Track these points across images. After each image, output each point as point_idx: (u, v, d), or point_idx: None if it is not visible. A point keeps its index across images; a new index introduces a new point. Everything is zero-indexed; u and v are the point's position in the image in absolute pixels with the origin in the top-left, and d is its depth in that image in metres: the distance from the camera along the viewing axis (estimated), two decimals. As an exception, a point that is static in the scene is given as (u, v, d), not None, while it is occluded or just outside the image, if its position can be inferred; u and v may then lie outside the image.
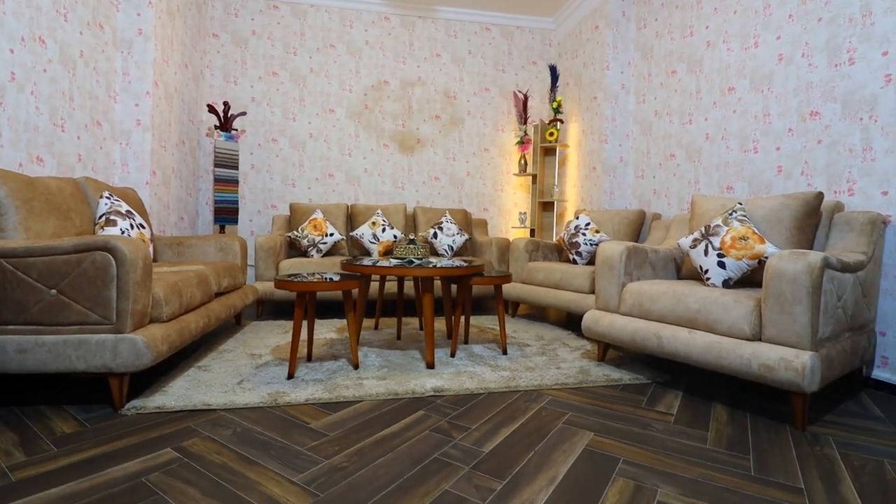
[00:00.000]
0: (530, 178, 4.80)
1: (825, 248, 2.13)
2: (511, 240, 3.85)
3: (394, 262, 2.44)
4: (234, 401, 1.81)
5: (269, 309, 3.78)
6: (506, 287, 3.62)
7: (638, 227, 3.41)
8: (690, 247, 2.28)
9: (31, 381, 2.00)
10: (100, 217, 2.25)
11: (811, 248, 2.16)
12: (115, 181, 3.25)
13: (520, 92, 4.84)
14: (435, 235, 4.03)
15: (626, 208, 4.05)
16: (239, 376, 2.11)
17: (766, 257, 2.03)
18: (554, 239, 4.67)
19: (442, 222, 4.08)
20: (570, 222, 3.87)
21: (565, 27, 4.77)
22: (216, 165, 3.88)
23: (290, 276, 2.30)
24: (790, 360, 1.61)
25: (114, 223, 2.21)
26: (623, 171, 4.06)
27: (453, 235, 4.03)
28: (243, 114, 4.05)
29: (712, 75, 3.18)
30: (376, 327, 3.14)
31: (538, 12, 4.76)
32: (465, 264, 2.36)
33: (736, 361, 1.75)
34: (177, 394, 1.86)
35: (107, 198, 2.34)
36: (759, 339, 1.76)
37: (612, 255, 2.33)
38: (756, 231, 2.10)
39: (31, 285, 1.65)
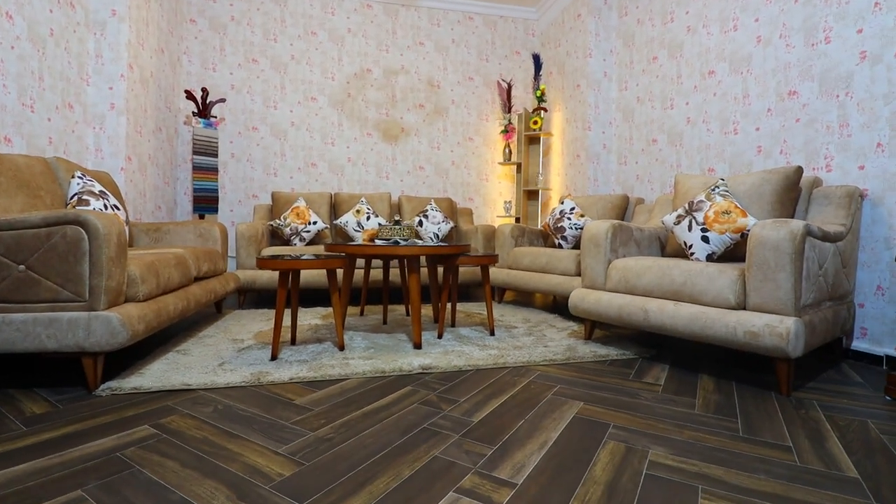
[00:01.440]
0: (515, 166, 4.80)
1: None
2: (497, 226, 3.84)
3: (379, 242, 2.41)
4: (214, 381, 1.75)
5: (251, 298, 3.70)
6: (492, 272, 3.61)
7: (622, 211, 3.43)
8: (675, 223, 2.30)
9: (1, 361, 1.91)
10: (72, 197, 2.17)
11: (792, 222, 2.19)
12: (89, 166, 3.14)
13: (503, 81, 4.84)
14: (420, 223, 3.99)
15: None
16: (220, 359, 2.04)
17: (749, 230, 2.05)
18: (539, 226, 4.68)
19: (427, 210, 4.05)
20: (555, 208, 3.88)
21: (548, 17, 4.79)
22: (195, 153, 3.78)
23: (272, 256, 2.25)
24: (775, 326, 1.63)
25: (86, 202, 2.13)
26: (606, 158, 4.08)
27: (439, 223, 4.00)
28: (222, 100, 3.96)
29: (693, 60, 3.22)
30: (362, 313, 3.10)
31: (521, 2, 4.76)
32: (451, 242, 2.34)
33: (721, 330, 1.76)
34: (154, 375, 1.80)
35: (79, 178, 2.26)
36: (744, 308, 1.77)
37: (597, 232, 2.33)
38: (738, 205, 2.12)
39: (-3, 261, 1.57)
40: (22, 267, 1.59)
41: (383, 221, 3.92)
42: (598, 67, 4.05)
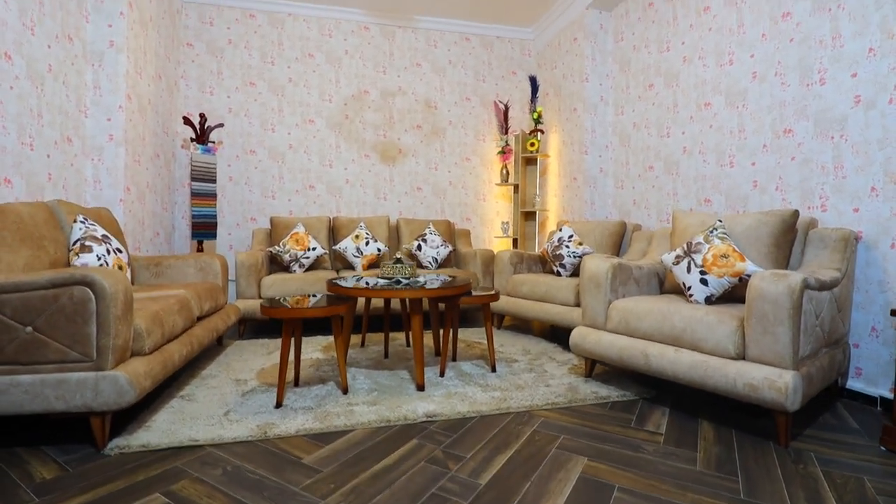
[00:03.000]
0: (512, 187, 4.83)
1: (801, 264, 2.21)
2: (495, 252, 3.87)
3: (381, 282, 2.43)
4: (221, 435, 1.76)
5: (251, 327, 3.70)
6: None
7: (619, 238, 3.47)
8: (673, 263, 2.34)
9: (5, 421, 1.90)
10: (74, 243, 2.16)
11: (788, 263, 2.23)
12: (87, 199, 3.13)
13: (501, 102, 4.86)
14: (419, 248, 4.01)
15: (606, 218, 4.12)
16: (225, 406, 2.05)
17: (748, 275, 2.09)
18: (537, 249, 4.71)
19: (426, 234, 4.07)
20: (553, 233, 3.92)
21: (544, 38, 4.82)
22: (193, 179, 3.77)
23: (275, 299, 2.26)
24: (773, 380, 1.66)
25: (89, 249, 2.13)
26: (603, 182, 4.12)
27: (437, 247, 4.02)
28: (220, 125, 3.96)
29: (689, 90, 3.27)
30: (363, 344, 3.11)
31: (517, 22, 4.79)
32: (451, 279, 2.36)
33: (721, 380, 1.80)
34: (161, 429, 1.81)
35: (81, 222, 2.25)
36: (744, 358, 1.81)
37: (598, 272, 2.36)
38: (736, 249, 2.16)
39: (5, 323, 1.57)
40: (29, 329, 1.60)
41: (382, 246, 3.94)
42: (594, 92, 4.09)
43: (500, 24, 4.83)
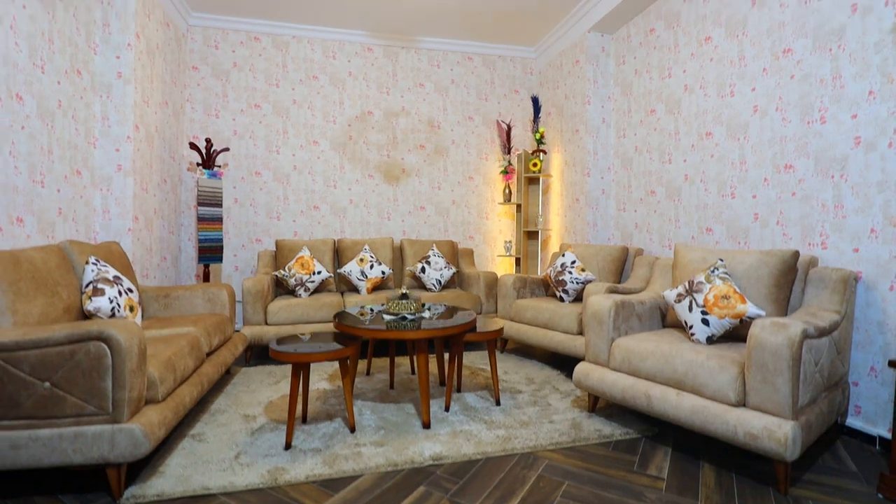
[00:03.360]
0: (515, 206, 4.86)
1: (801, 304, 2.25)
2: (498, 276, 3.90)
3: (387, 318, 2.47)
4: (233, 482, 1.80)
5: (257, 352, 3.74)
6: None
7: (621, 263, 3.50)
8: (675, 301, 2.37)
9: (24, 471, 1.95)
10: (87, 286, 2.21)
11: (789, 303, 2.26)
12: (97, 229, 3.17)
13: (503, 122, 4.90)
14: (423, 270, 4.05)
15: (608, 240, 4.16)
16: (235, 447, 2.10)
17: (749, 317, 2.13)
18: (539, 267, 4.75)
19: (429, 256, 4.11)
20: (555, 255, 3.95)
21: (546, 57, 4.85)
22: (200, 204, 3.82)
23: (283, 341, 2.30)
24: (773, 430, 1.70)
25: (102, 292, 2.17)
26: (605, 203, 4.15)
27: (441, 269, 4.06)
28: (226, 150, 4.00)
29: (690, 119, 3.29)
30: (368, 373, 3.15)
31: (519, 42, 4.82)
32: (454, 310, 2.40)
33: (721, 427, 1.83)
34: (174, 474, 1.85)
35: (93, 263, 2.30)
36: (744, 405, 1.84)
37: (600, 310, 2.40)
38: (737, 290, 2.19)
39: (24, 380, 1.62)
40: (47, 384, 1.64)
41: (386, 269, 3.97)
42: (596, 114, 4.12)
43: (503, 44, 4.86)
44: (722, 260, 2.34)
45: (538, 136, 4.59)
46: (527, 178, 4.71)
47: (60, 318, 2.05)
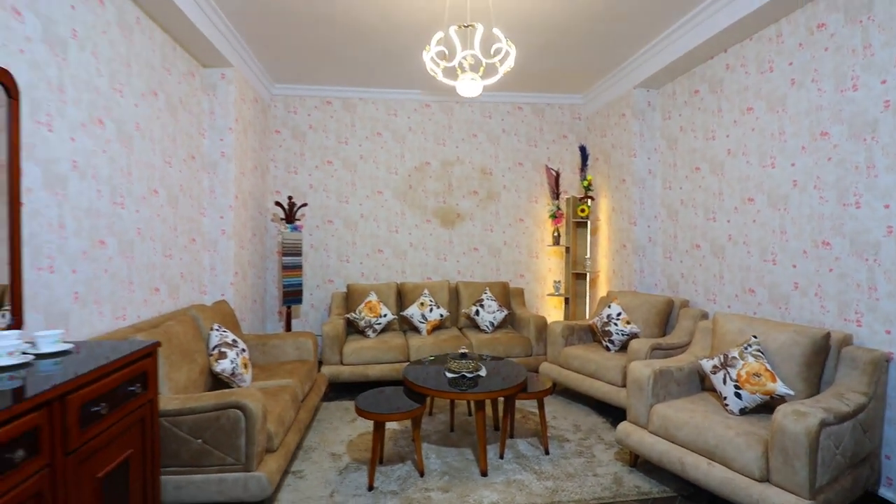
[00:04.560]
0: (564, 248, 5.14)
1: (833, 383, 2.42)
2: (548, 321, 4.21)
3: (449, 375, 2.88)
4: (332, 520, 2.26)
5: (334, 387, 4.25)
6: (545, 367, 3.98)
7: (666, 316, 3.71)
8: (711, 371, 2.61)
9: None
10: (213, 349, 2.77)
11: (820, 380, 2.45)
12: (206, 283, 3.80)
13: (552, 169, 5.18)
14: (477, 312, 4.43)
15: (655, 286, 4.35)
16: (328, 485, 2.57)
17: (778, 395, 2.34)
18: (588, 309, 4.99)
19: (483, 299, 4.48)
20: (603, 301, 4.20)
21: (593, 105, 5.08)
22: (284, 254, 4.41)
23: (365, 398, 2.75)
24: (792, 510, 1.93)
25: (224, 355, 2.72)
26: (652, 251, 4.35)
27: (494, 312, 4.42)
28: (304, 205, 4.58)
29: (733, 182, 3.46)
30: (430, 413, 3.57)
31: (567, 90, 5.09)
32: (507, 363, 2.76)
33: (747, 500, 2.08)
34: (286, 510, 2.34)
35: (216, 329, 2.87)
36: (768, 481, 2.08)
37: (640, 377, 2.68)
38: (768, 367, 2.41)
39: (183, 437, 2.15)
40: (199, 441, 2.17)
41: (444, 312, 4.39)
42: (642, 166, 4.33)
43: (551, 93, 5.15)
44: (756, 337, 2.56)
45: (586, 183, 4.85)
46: (575, 223, 4.98)
47: (198, 379, 2.62)
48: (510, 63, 2.70)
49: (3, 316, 1.79)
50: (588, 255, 4.93)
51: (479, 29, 2.51)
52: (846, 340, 2.48)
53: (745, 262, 3.34)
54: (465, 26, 2.55)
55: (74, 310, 2.25)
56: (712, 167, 3.68)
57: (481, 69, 2.85)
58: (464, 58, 2.66)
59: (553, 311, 5.28)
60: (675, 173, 4.12)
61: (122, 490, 1.65)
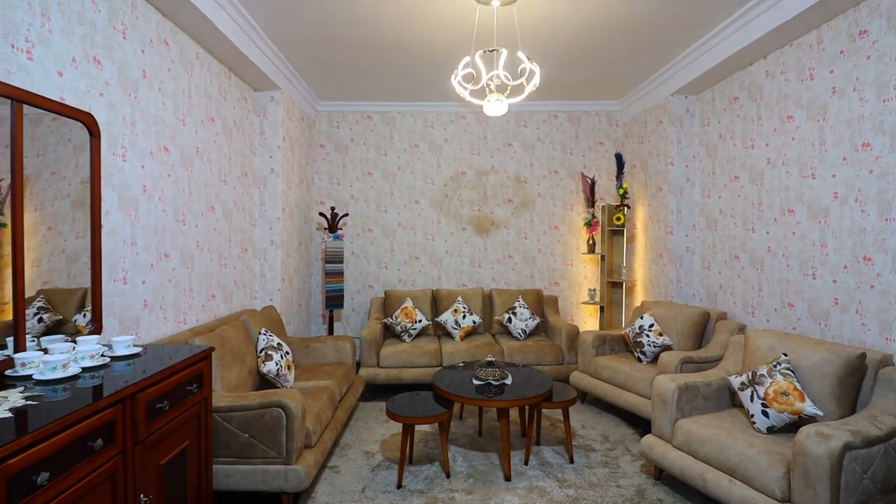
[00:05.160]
0: (599, 256, 5.12)
1: (868, 405, 2.34)
2: (580, 330, 4.24)
3: (476, 383, 3.00)
4: (362, 513, 2.46)
5: (371, 388, 4.48)
6: (575, 377, 4.02)
7: (701, 329, 3.65)
8: (739, 388, 2.58)
9: (229, 495, 2.81)
10: (260, 351, 3.05)
11: (854, 403, 2.37)
12: (256, 290, 4.14)
13: (588, 177, 5.17)
14: (509, 320, 4.52)
15: (693, 296, 4.26)
16: (361, 481, 2.77)
17: (806, 415, 2.30)
18: (623, 317, 4.95)
19: (515, 307, 4.57)
20: (637, 311, 4.18)
21: (630, 111, 5.03)
22: (326, 262, 4.70)
23: (395, 401, 2.93)
24: (813, 533, 1.92)
25: (270, 357, 2.99)
26: (690, 260, 4.27)
27: (526, 320, 4.50)
28: (346, 215, 4.85)
29: (773, 192, 3.36)
30: (461, 417, 3.71)
31: (604, 97, 5.06)
32: (534, 372, 2.85)
33: (768, 520, 2.07)
34: (322, 501, 2.56)
35: (264, 334, 3.15)
36: (789, 502, 2.06)
37: (665, 391, 2.69)
38: (797, 387, 2.36)
39: (233, 431, 2.41)
40: (246, 435, 2.42)
41: (476, 319, 4.52)
42: (680, 174, 4.26)
43: (587, 101, 5.14)
44: (786, 355, 2.51)
45: (622, 191, 4.81)
46: (610, 231, 4.95)
47: (247, 379, 2.90)
48: (536, 82, 2.79)
49: (85, 317, 2.10)
50: (624, 264, 4.89)
51: (503, 53, 2.62)
52: (885, 361, 2.39)
53: (785, 276, 3.24)
54: (489, 51, 2.67)
55: (143, 315, 2.58)
56: (751, 176, 3.58)
57: (508, 90, 2.95)
58: (490, 79, 2.78)
59: (589, 319, 5.27)
60: (714, 181, 4.03)
61: (181, 476, 1.91)
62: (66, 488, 1.28)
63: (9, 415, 1.28)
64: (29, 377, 1.61)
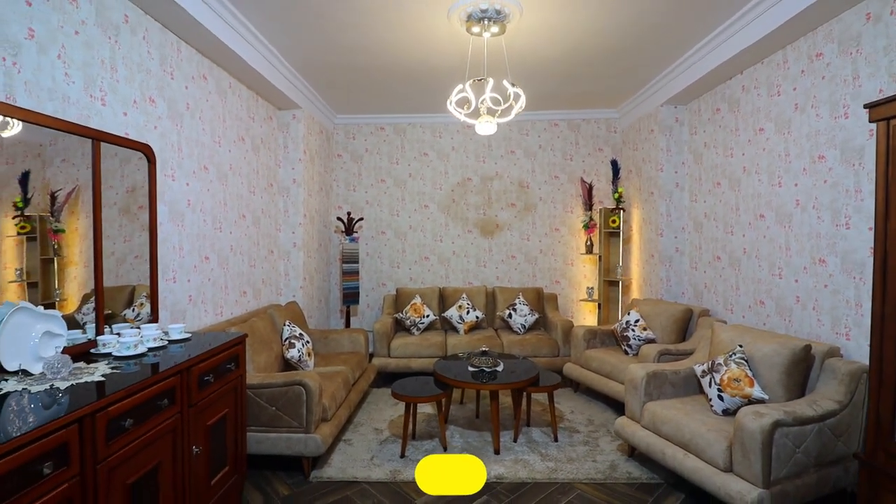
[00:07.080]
0: (597, 257, 5.44)
1: (813, 391, 2.64)
2: (575, 324, 4.58)
3: (471, 369, 3.40)
4: (369, 476, 2.90)
5: (383, 376, 4.93)
6: (568, 367, 4.37)
7: (684, 324, 3.96)
8: (700, 375, 2.91)
9: (260, 458, 3.29)
10: (285, 340, 3.53)
11: (802, 389, 2.67)
12: (281, 287, 4.63)
13: (586, 181, 5.49)
14: (510, 315, 4.90)
15: (682, 294, 4.55)
16: (370, 451, 3.21)
17: (755, 398, 2.61)
18: (620, 312, 5.26)
19: (515, 304, 4.94)
20: (625, 309, 4.50)
21: (628, 119, 5.32)
22: (343, 262, 5.17)
23: (401, 383, 3.36)
24: (744, 495, 2.25)
25: (293, 345, 3.46)
26: (679, 261, 4.56)
27: (525, 316, 4.87)
28: (361, 219, 5.31)
29: (748, 198, 3.64)
30: (462, 401, 4.12)
31: (602, 106, 5.36)
32: (525, 361, 3.24)
33: (712, 487, 2.41)
34: (336, 466, 3.01)
35: (287, 325, 3.62)
36: (731, 471, 2.39)
37: (635, 377, 3.03)
38: (748, 374, 2.68)
39: (262, 405, 2.89)
40: (274, 408, 2.89)
41: (480, 314, 4.91)
42: (669, 179, 4.55)
43: (587, 109, 5.46)
44: (741, 346, 2.82)
45: (617, 196, 5.12)
46: (606, 233, 5.26)
47: (274, 363, 3.38)
48: (522, 104, 3.16)
49: (133, 311, 2.59)
50: (620, 264, 5.20)
51: (490, 82, 3.01)
52: (832, 352, 2.68)
53: (757, 275, 3.53)
54: (478, 80, 3.06)
55: (189, 308, 3.07)
56: (731, 183, 3.86)
57: (498, 112, 3.33)
58: (480, 102, 3.17)
59: (588, 316, 5.60)
60: (700, 187, 4.31)
61: (222, 437, 2.38)
62: (143, 433, 1.75)
63: (102, 379, 1.75)
64: (109, 354, 2.09)
